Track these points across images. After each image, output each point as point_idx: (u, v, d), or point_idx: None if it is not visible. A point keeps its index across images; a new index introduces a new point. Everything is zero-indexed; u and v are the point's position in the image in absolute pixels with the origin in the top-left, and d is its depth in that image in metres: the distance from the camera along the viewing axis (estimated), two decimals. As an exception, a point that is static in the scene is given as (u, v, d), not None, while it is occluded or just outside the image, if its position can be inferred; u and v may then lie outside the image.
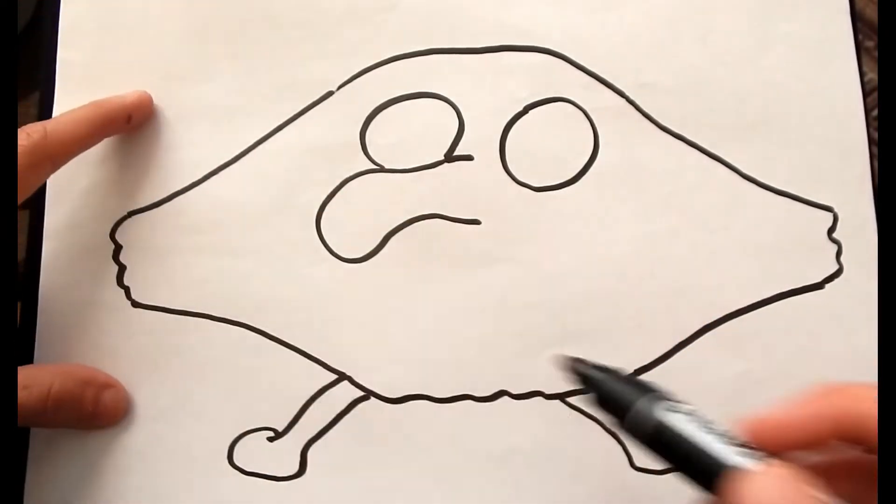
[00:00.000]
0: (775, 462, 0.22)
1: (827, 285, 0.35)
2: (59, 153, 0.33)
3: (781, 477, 0.22)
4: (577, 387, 0.27)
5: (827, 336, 0.34)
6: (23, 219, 0.36)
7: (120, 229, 0.36)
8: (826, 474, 0.23)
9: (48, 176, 0.34)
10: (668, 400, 0.24)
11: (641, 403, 0.24)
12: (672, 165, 0.35)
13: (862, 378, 0.34)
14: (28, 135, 0.32)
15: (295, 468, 0.35)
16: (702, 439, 0.23)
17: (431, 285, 0.35)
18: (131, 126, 0.36)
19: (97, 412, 0.34)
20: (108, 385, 0.34)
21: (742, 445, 0.23)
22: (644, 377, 0.34)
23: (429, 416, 0.35)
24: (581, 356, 0.34)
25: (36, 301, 0.36)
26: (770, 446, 0.23)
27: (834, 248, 0.35)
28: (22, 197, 0.32)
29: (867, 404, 0.23)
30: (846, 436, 0.23)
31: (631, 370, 0.34)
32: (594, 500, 0.33)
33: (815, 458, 0.24)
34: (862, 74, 0.36)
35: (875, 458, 0.23)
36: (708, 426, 0.23)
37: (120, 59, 0.36)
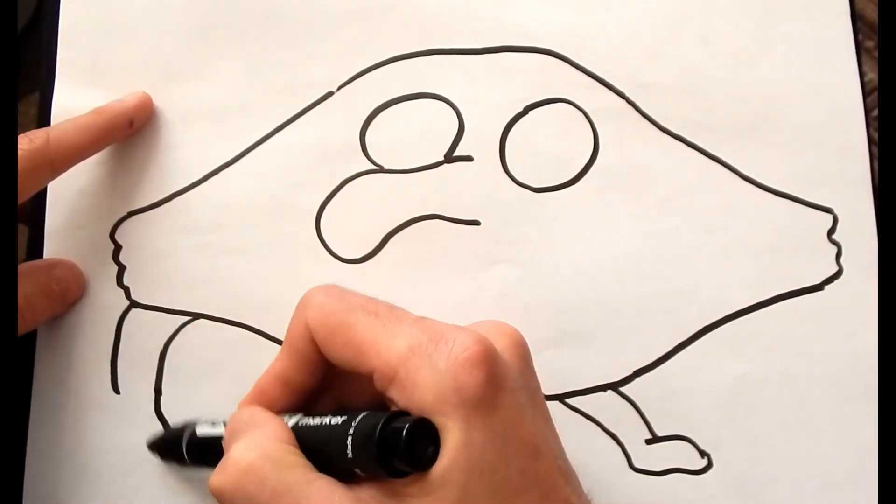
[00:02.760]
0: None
1: (827, 287, 0.35)
2: (60, 160, 0.33)
3: (236, 420, 0.30)
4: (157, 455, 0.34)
5: (826, 337, 0.34)
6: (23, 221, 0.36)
7: (120, 229, 0.36)
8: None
9: (47, 182, 0.34)
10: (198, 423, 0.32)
11: (183, 435, 0.32)
12: (672, 166, 0.35)
13: (861, 380, 0.34)
14: (30, 140, 0.32)
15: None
16: (209, 430, 0.31)
17: (431, 286, 0.35)
18: (134, 130, 0.36)
19: (62, 289, 0.34)
20: (52, 266, 0.35)
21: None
22: (642, 378, 0.34)
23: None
24: (573, 359, 0.35)
25: (36, 301, 0.36)
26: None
27: (834, 249, 0.35)
28: (18, 200, 0.32)
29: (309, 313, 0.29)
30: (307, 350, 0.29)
31: (630, 371, 0.34)
32: (593, 501, 0.33)
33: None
34: (862, 74, 0.36)
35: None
36: (213, 422, 0.32)
37: (120, 59, 0.36)
